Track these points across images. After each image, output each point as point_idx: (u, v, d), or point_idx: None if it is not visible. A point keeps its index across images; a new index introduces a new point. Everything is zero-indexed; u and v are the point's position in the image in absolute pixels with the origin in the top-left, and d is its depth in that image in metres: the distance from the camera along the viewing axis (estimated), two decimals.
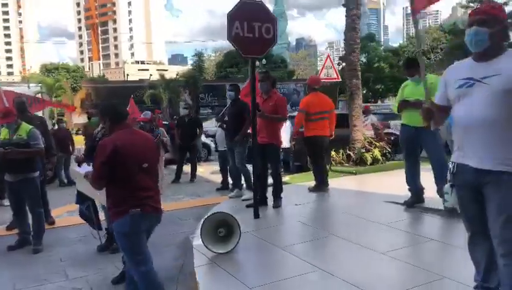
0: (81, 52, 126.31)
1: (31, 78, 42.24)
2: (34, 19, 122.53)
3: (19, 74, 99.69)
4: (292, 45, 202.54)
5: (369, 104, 11.13)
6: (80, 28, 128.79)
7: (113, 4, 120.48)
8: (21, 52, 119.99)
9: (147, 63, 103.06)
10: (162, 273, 4.41)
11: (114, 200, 3.12)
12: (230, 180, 8.88)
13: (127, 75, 61.20)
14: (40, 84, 36.88)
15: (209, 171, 11.41)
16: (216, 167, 11.85)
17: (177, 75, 43.65)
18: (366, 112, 10.46)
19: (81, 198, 5.05)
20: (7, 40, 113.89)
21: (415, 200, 5.35)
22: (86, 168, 3.38)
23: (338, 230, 4.67)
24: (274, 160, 5.76)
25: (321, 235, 4.47)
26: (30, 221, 5.35)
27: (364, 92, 36.53)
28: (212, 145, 14.22)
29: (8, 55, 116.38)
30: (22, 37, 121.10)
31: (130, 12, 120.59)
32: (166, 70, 78.25)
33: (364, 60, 42.84)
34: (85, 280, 4.34)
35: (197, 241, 4.20)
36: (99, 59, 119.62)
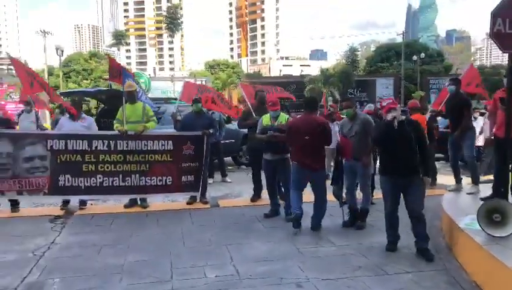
0: (231, 50, 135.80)
1: (197, 73, 47.29)
2: (194, 19, 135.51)
3: (178, 70, 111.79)
4: (442, 37, 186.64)
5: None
6: (230, 27, 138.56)
7: (262, 2, 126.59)
8: (181, 50, 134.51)
9: (291, 59, 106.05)
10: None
11: (291, 154, 5.80)
12: None
13: (280, 70, 64.63)
14: (204, 79, 40.85)
15: None
16: None
17: (326, 70, 44.21)
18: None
19: (335, 179, 5.79)
20: (170, 39, 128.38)
21: None
22: None
23: None
24: None
25: None
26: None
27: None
28: None
29: (171, 52, 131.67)
30: (182, 36, 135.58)
31: (277, 9, 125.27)
32: (309, 65, 79.59)
33: None
34: (351, 248, 4.90)
35: (463, 224, 4.49)
36: (247, 55, 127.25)
